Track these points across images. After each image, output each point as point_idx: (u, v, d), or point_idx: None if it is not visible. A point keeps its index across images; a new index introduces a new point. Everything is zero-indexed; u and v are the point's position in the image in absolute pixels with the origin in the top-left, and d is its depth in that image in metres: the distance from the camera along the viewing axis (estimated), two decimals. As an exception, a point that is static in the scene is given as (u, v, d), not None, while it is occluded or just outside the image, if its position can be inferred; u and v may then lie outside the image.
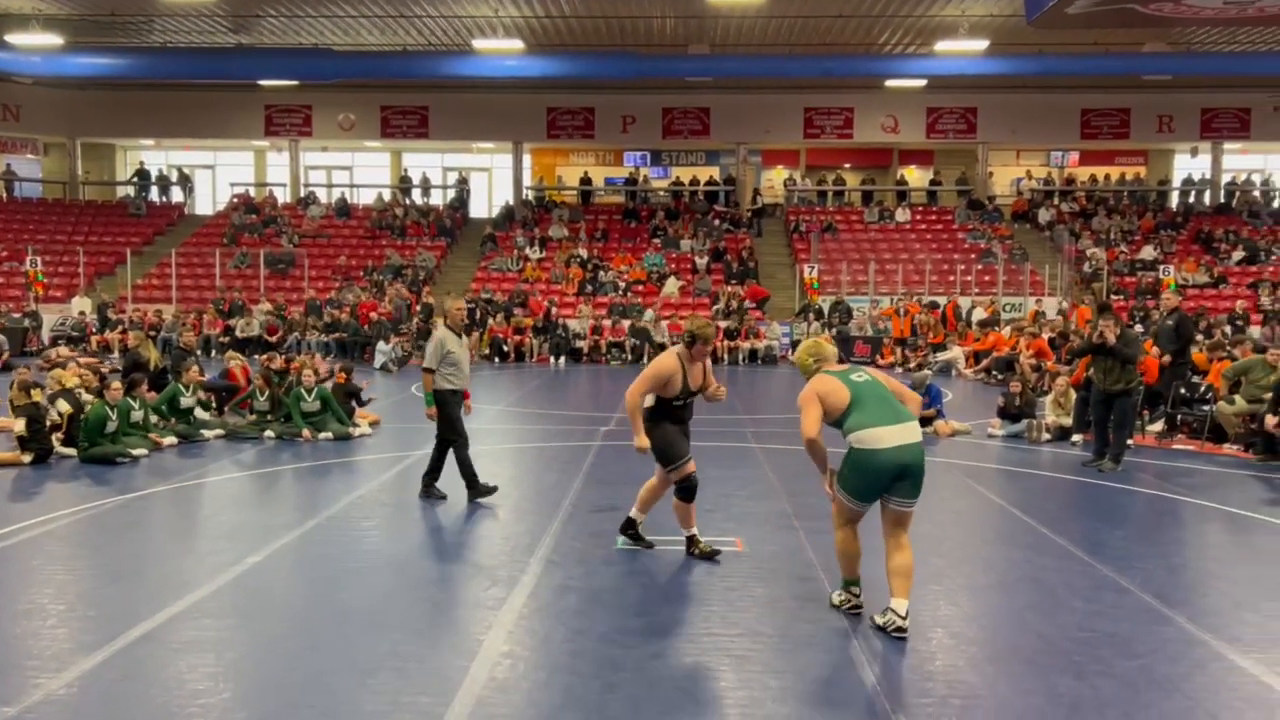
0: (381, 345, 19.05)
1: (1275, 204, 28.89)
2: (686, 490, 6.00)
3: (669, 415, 6.01)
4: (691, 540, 6.14)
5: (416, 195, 30.31)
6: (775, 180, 31.92)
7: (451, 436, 7.65)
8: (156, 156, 32.13)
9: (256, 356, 14.71)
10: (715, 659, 4.51)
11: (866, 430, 4.74)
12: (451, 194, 30.43)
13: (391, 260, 25.36)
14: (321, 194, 30.26)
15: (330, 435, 10.50)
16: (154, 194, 30.07)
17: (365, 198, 30.29)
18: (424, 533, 6.96)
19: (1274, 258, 25.36)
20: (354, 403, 11.25)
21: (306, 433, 10.45)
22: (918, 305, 22.32)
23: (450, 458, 7.70)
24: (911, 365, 19.06)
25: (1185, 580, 5.89)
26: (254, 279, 24.49)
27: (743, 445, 10.54)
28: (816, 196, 30.06)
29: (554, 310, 22.06)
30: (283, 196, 29.51)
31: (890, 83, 25.17)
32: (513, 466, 9.57)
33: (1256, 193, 29.46)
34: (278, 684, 4.23)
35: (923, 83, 25.22)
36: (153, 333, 18.53)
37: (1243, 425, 10.31)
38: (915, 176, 31.66)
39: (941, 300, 22.73)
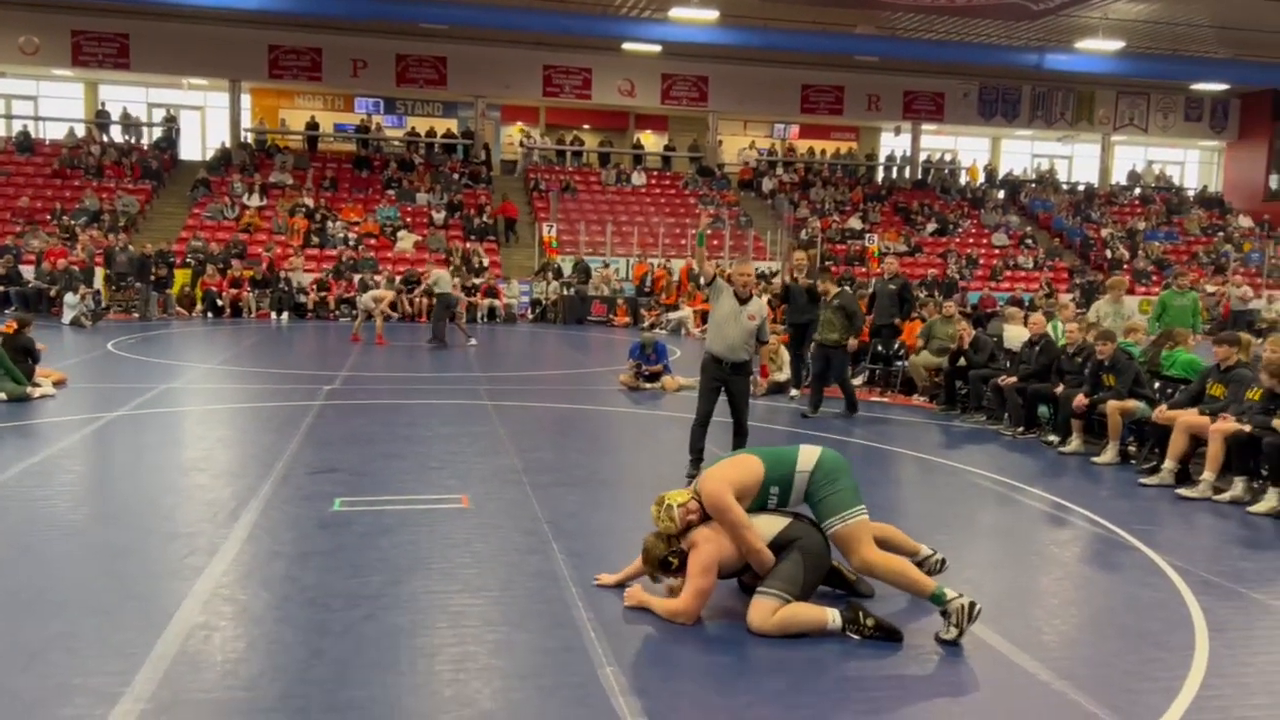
0: (70, 298, 17.09)
1: (962, 181, 32.19)
2: None
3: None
4: None
5: (117, 133, 27.37)
6: (515, 137, 31.63)
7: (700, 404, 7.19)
8: None
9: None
10: (431, 617, 4.40)
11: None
12: (158, 133, 27.73)
13: (87, 203, 22.78)
14: (-1, 125, 26.67)
15: (3, 396, 9.28)
16: None
17: (54, 132, 26.99)
18: (113, 502, 6.31)
19: (960, 230, 28.30)
20: (31, 360, 10.00)
21: (-28, 394, 9.19)
22: (644, 265, 23.15)
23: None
24: (645, 324, 19.61)
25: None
26: (-89, 219, 21.23)
27: (476, 403, 10.40)
28: (556, 156, 30.11)
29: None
30: (-52, 126, 25.72)
31: (627, 46, 25.54)
32: (222, 428, 8.90)
33: (948, 171, 32.71)
34: (-85, 678, 3.67)
35: (658, 48, 25.80)
36: None
37: (929, 379, 11.43)
38: (651, 141, 32.45)
39: (677, 264, 23.56)
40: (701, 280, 6.30)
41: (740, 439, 7.21)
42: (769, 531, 4.48)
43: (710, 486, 4.50)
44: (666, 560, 4.50)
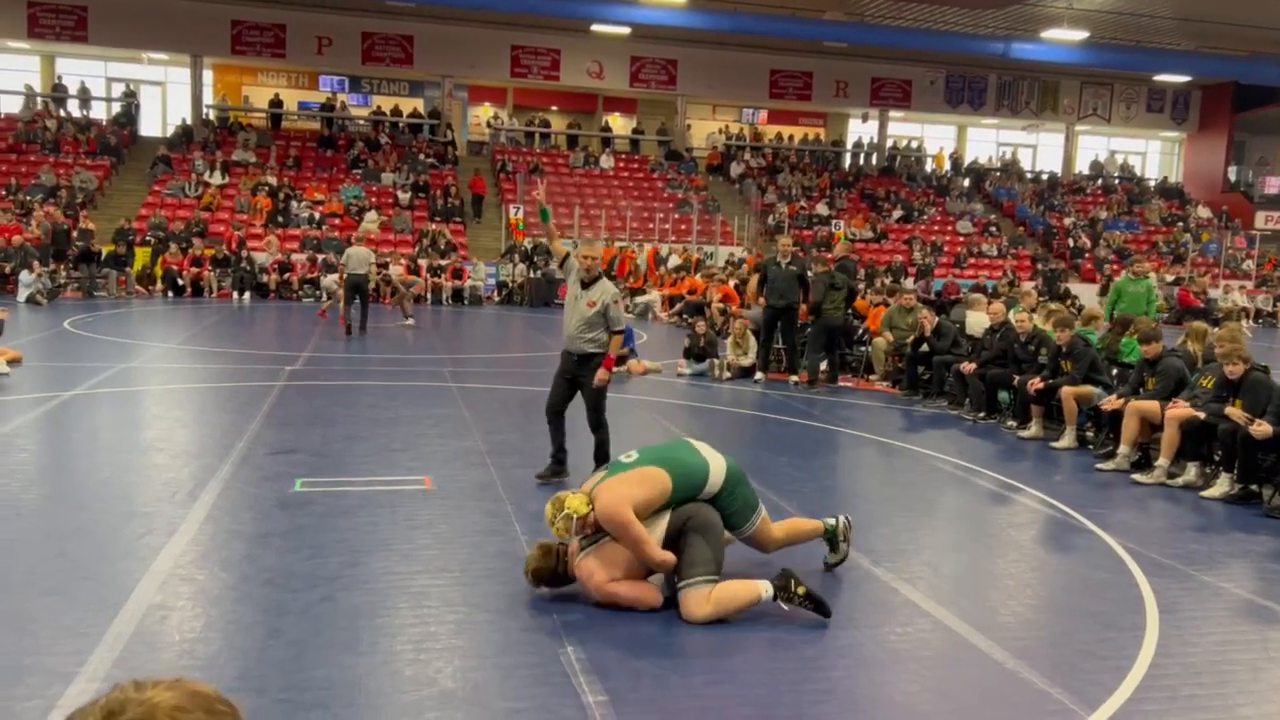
0: (24, 275, 16.77)
1: (928, 169, 32.40)
2: None
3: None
4: None
5: (74, 107, 26.79)
6: (482, 117, 31.38)
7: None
8: None
9: None
10: (391, 598, 4.38)
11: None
12: (117, 108, 27.18)
13: (43, 179, 22.31)
14: (-50, 98, 26.01)
15: (-45, 374, 9.11)
16: None
17: (9, 106, 26.37)
18: (68, 481, 6.21)
19: (926, 217, 28.50)
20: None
21: (-77, 371, 9.00)
22: (611, 249, 23.13)
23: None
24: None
25: (835, 501, 6.48)
26: None
27: (440, 384, 10.35)
28: (524, 137, 29.91)
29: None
30: (-102, 97, 25.04)
31: (596, 27, 25.38)
32: (181, 408, 8.79)
33: (914, 158, 32.89)
34: None
35: (627, 30, 25.67)
36: None
37: (891, 364, 11.52)
38: (619, 124, 32.32)
39: (644, 246, 23.52)
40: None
41: (598, 449, 6.49)
42: (659, 532, 4.36)
43: (608, 501, 4.26)
44: (555, 575, 4.42)
